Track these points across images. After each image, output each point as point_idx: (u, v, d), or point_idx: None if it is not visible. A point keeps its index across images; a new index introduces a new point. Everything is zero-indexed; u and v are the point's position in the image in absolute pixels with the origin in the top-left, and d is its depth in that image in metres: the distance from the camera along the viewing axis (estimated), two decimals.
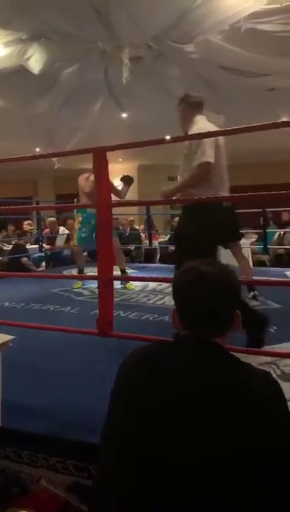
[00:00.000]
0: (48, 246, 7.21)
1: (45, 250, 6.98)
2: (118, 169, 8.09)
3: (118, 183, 4.30)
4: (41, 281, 4.70)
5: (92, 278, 4.08)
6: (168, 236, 8.05)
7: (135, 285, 4.31)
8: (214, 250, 2.46)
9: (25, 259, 6.07)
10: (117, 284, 4.19)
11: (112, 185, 3.24)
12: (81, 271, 4.48)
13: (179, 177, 2.54)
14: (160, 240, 8.28)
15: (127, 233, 8.27)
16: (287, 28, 3.73)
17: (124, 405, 0.88)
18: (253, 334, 2.11)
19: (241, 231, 3.77)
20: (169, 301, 3.53)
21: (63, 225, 8.04)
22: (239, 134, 1.76)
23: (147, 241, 7.63)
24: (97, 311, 1.94)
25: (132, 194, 4.82)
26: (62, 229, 7.78)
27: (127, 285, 4.25)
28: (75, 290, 4.26)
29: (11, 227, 8.66)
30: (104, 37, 4.13)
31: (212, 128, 2.46)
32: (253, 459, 0.77)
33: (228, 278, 0.95)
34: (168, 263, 6.23)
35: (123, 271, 4.41)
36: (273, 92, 4.93)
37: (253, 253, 6.27)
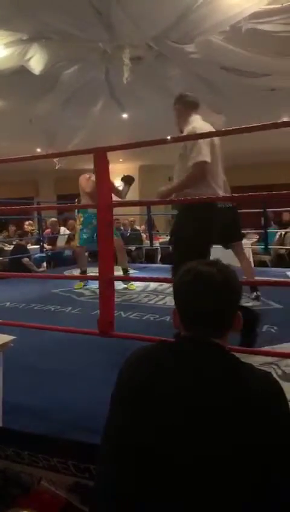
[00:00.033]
0: (49, 247, 7.22)
1: (46, 250, 6.99)
2: (118, 170, 8.09)
3: (118, 183, 4.31)
4: (42, 282, 4.70)
5: (93, 278, 4.09)
6: (169, 236, 8.04)
7: (136, 285, 4.31)
8: (208, 250, 2.45)
9: (26, 259, 6.07)
10: (120, 285, 4.20)
11: (112, 185, 3.25)
12: (84, 272, 4.48)
13: (174, 178, 2.52)
14: (161, 240, 8.28)
15: (128, 234, 8.27)
16: (287, 28, 3.72)
17: (125, 405, 0.88)
18: (244, 332, 2.11)
19: (242, 231, 3.77)
20: (170, 301, 3.54)
21: (64, 225, 8.04)
22: (240, 135, 1.76)
23: (148, 242, 7.63)
24: (98, 311, 1.94)
25: (132, 194, 4.82)
26: (63, 230, 7.79)
27: (129, 285, 4.25)
28: (76, 290, 4.26)
29: (12, 228, 8.67)
30: (104, 38, 4.13)
31: (208, 127, 2.46)
32: (254, 459, 0.77)
33: (229, 278, 0.95)
34: (169, 263, 6.23)
35: (125, 270, 4.40)
36: (274, 92, 4.93)
37: (254, 253, 6.27)
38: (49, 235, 7.44)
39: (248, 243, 5.95)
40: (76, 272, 5.00)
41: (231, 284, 0.95)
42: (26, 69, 4.43)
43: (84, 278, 4.61)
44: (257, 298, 3.46)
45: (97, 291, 2.04)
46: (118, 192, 4.05)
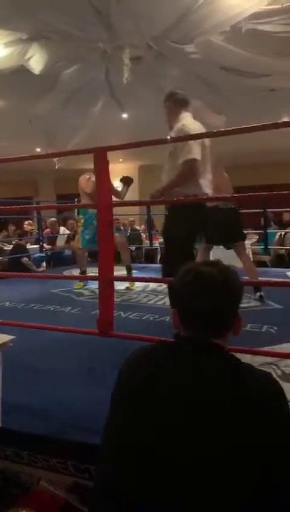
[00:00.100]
0: (49, 246, 7.21)
1: (46, 250, 6.98)
2: (118, 170, 8.09)
3: (117, 184, 4.31)
4: (41, 281, 4.70)
5: (92, 278, 4.08)
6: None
7: (136, 285, 4.31)
8: (193, 248, 2.47)
9: (25, 259, 6.07)
10: (122, 285, 4.20)
11: (111, 186, 3.24)
12: (83, 272, 4.48)
13: (163, 177, 2.52)
14: (161, 240, 8.28)
15: (128, 234, 8.27)
16: (287, 28, 3.72)
17: (125, 405, 0.88)
18: None
19: (244, 232, 3.78)
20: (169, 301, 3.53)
21: (64, 225, 8.04)
22: (240, 135, 1.76)
23: (148, 242, 7.62)
24: (98, 311, 1.94)
25: (132, 194, 4.82)
26: (63, 229, 7.78)
27: (131, 285, 4.25)
28: (75, 290, 4.26)
29: (11, 227, 8.67)
30: (104, 37, 4.13)
31: (198, 125, 2.47)
32: (253, 459, 0.77)
33: (229, 279, 0.94)
34: None
35: (129, 268, 4.40)
36: (274, 92, 4.93)
37: (254, 253, 6.27)
38: (49, 235, 7.44)
39: (248, 243, 5.95)
40: (75, 272, 5.00)
41: (231, 285, 0.94)
42: (26, 69, 4.42)
43: (83, 278, 4.61)
44: (260, 298, 3.45)
45: (97, 291, 2.04)
46: (116, 193, 4.05)
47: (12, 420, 1.61)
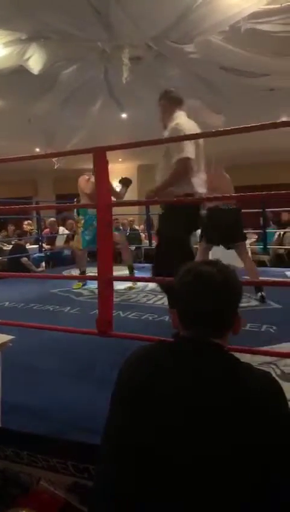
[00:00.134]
0: (48, 246, 7.21)
1: (45, 250, 6.98)
2: (118, 169, 8.09)
3: (115, 185, 4.31)
4: (41, 281, 4.70)
5: (91, 278, 4.08)
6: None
7: (130, 285, 4.32)
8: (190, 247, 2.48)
9: (24, 259, 6.06)
10: (123, 284, 4.20)
11: (111, 186, 3.24)
12: (83, 273, 4.48)
13: (157, 177, 2.52)
14: None
15: (127, 233, 8.27)
16: (286, 28, 3.73)
17: (125, 405, 0.88)
18: None
19: (244, 232, 3.78)
20: None
21: (63, 225, 8.04)
22: (239, 134, 1.76)
23: (147, 241, 7.62)
24: (97, 311, 1.94)
25: (131, 194, 4.81)
26: (62, 229, 7.78)
27: (133, 284, 4.25)
28: (74, 290, 4.26)
29: (11, 227, 8.66)
30: (103, 37, 4.13)
31: (192, 124, 2.48)
32: (253, 459, 0.77)
33: (229, 279, 0.94)
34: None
35: (132, 268, 4.40)
36: (273, 92, 4.93)
37: (253, 253, 6.27)
38: (48, 235, 7.44)
39: (247, 243, 5.95)
40: (75, 272, 5.00)
41: (230, 284, 0.94)
42: (25, 69, 4.42)
43: (83, 278, 4.61)
44: (262, 298, 3.45)
45: (96, 291, 2.04)
46: (115, 194, 4.05)
47: (12, 420, 1.61)
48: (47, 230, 7.57)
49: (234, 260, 3.42)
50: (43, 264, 6.86)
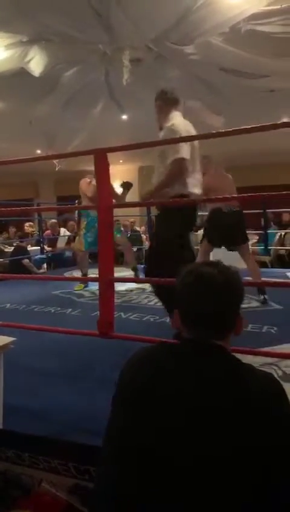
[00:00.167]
0: (49, 248, 7.22)
1: (46, 252, 6.99)
2: (118, 171, 8.11)
3: (116, 186, 4.32)
4: (42, 283, 4.70)
5: (92, 279, 4.09)
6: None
7: (137, 286, 4.31)
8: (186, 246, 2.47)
9: (26, 261, 6.08)
10: (123, 286, 4.20)
11: (112, 189, 3.25)
12: (85, 275, 4.48)
13: (153, 178, 2.52)
14: None
15: (129, 235, 8.27)
16: (286, 29, 3.73)
17: (126, 406, 0.88)
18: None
19: (247, 234, 3.78)
20: None
21: (64, 227, 8.05)
22: (239, 136, 1.76)
23: (148, 243, 7.62)
24: (98, 312, 1.94)
25: (132, 196, 4.82)
26: (63, 231, 7.79)
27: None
28: (76, 292, 4.26)
29: (12, 229, 8.67)
30: (104, 39, 4.14)
31: (188, 125, 2.47)
32: (254, 460, 0.77)
33: (230, 280, 0.94)
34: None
35: (135, 269, 4.40)
36: (273, 93, 4.94)
37: (254, 254, 6.26)
38: (49, 237, 7.45)
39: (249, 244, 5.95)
40: (76, 274, 5.00)
41: (232, 285, 0.94)
42: (26, 71, 4.43)
43: (84, 279, 4.61)
44: (264, 301, 3.45)
45: (97, 292, 2.04)
46: (116, 196, 4.06)
47: (14, 422, 1.61)
48: (48, 232, 7.59)
49: (236, 261, 3.42)
50: (45, 265, 6.87)
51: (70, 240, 7.15)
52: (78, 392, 1.88)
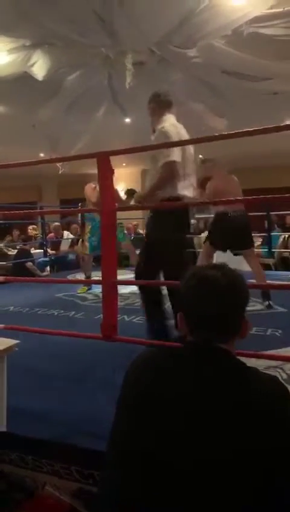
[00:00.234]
0: (53, 251, 7.23)
1: (50, 254, 7.00)
2: (122, 174, 8.11)
3: (120, 189, 4.34)
4: (45, 286, 4.71)
5: (96, 282, 4.09)
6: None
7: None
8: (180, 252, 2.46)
9: (29, 263, 6.09)
10: (127, 289, 4.20)
11: (116, 193, 3.26)
12: (88, 277, 4.49)
13: (146, 181, 2.52)
14: None
15: (132, 238, 8.28)
16: (289, 31, 3.74)
17: (130, 410, 0.88)
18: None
19: (252, 238, 3.76)
20: None
21: (68, 230, 8.06)
22: (241, 138, 1.76)
23: None
24: (101, 315, 1.94)
25: None
26: (66, 234, 7.80)
27: None
28: (79, 294, 4.26)
29: (15, 232, 8.70)
30: (107, 43, 4.16)
31: (180, 128, 2.47)
32: (256, 463, 0.76)
33: (235, 282, 0.94)
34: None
35: None
36: (276, 95, 4.94)
37: (258, 256, 6.24)
38: (53, 240, 7.46)
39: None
40: (80, 276, 5.01)
41: (236, 288, 0.93)
42: (30, 75, 4.47)
43: (87, 282, 4.62)
44: (269, 307, 3.43)
45: (100, 295, 2.04)
46: (120, 201, 4.08)
47: (17, 425, 1.61)
48: (52, 234, 7.60)
49: (240, 264, 3.41)
50: (48, 268, 6.88)
51: (74, 243, 7.15)
52: (82, 394, 1.88)
